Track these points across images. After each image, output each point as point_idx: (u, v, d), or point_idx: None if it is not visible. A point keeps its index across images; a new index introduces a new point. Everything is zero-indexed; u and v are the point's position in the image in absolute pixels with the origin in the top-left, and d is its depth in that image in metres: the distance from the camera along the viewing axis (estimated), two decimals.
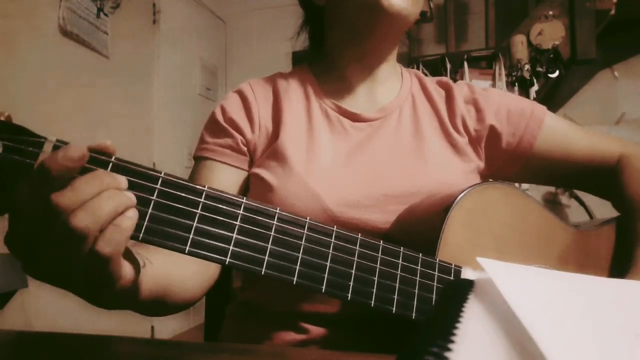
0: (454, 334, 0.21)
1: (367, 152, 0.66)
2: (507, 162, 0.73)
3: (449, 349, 0.19)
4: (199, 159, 0.69)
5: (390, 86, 0.74)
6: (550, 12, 2.34)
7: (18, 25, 1.81)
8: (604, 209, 0.76)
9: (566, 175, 0.73)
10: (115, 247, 0.33)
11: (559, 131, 0.72)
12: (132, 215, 0.35)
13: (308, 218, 0.43)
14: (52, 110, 1.95)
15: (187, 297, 0.54)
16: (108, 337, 0.46)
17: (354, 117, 0.69)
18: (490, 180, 0.74)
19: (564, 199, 2.84)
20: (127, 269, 0.38)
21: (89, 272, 0.34)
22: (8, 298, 1.65)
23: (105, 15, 2.27)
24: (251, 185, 0.68)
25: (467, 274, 0.30)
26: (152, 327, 2.58)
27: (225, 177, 0.67)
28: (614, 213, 0.71)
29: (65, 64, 2.05)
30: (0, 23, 1.74)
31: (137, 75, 2.57)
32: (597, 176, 0.71)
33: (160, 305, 0.49)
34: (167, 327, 2.69)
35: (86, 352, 0.44)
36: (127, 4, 2.43)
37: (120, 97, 2.41)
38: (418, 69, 2.44)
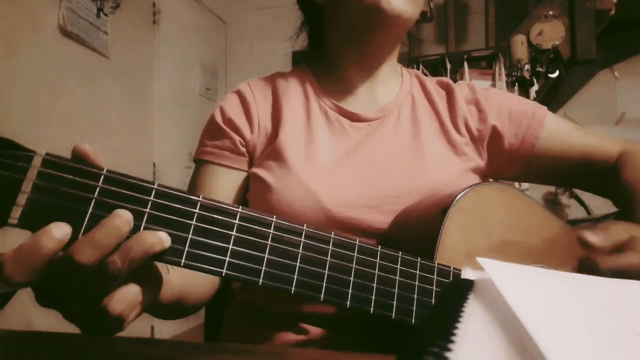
0: (454, 334, 0.21)
1: (366, 152, 0.66)
2: (509, 162, 0.73)
3: (448, 349, 0.19)
4: (199, 162, 0.69)
5: (391, 86, 0.74)
6: (550, 12, 2.34)
7: (18, 25, 1.81)
8: (604, 209, 0.76)
9: (567, 175, 0.73)
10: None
11: (560, 131, 0.72)
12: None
13: (305, 225, 0.42)
14: (52, 110, 1.95)
15: (197, 300, 0.56)
16: (108, 337, 0.46)
17: (353, 117, 0.69)
18: (490, 180, 0.74)
19: (564, 199, 2.84)
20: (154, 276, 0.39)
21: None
22: (8, 298, 1.65)
23: (105, 15, 2.27)
24: (250, 186, 0.67)
25: (467, 274, 0.30)
26: (152, 327, 2.58)
27: (226, 180, 0.67)
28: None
29: (65, 64, 2.05)
30: (0, 23, 1.74)
31: (137, 75, 2.57)
32: (598, 175, 0.71)
33: (176, 309, 0.50)
34: (167, 327, 2.69)
35: (86, 352, 0.44)
36: (127, 4, 2.43)
37: (120, 97, 2.41)
38: (418, 69, 2.44)
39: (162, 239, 0.35)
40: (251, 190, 0.67)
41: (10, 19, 1.78)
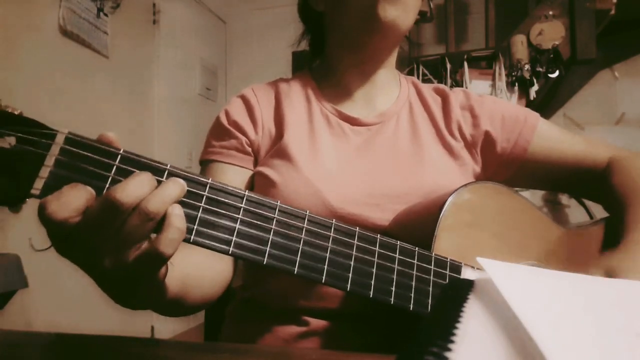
0: (454, 334, 0.21)
1: (367, 154, 0.68)
2: (502, 167, 0.75)
3: (448, 349, 0.19)
4: (206, 162, 0.71)
5: (389, 92, 0.76)
6: (550, 12, 2.34)
7: (18, 25, 1.81)
8: (603, 209, 0.76)
9: (559, 179, 0.75)
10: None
11: (552, 137, 0.73)
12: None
13: (307, 211, 0.44)
14: (52, 110, 1.95)
15: (203, 297, 0.56)
16: (108, 337, 0.46)
17: (354, 122, 0.71)
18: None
19: (564, 199, 2.84)
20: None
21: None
22: (8, 298, 1.65)
23: (105, 15, 2.27)
24: (255, 183, 0.69)
25: (467, 273, 0.30)
26: (152, 327, 2.58)
27: (232, 177, 0.69)
28: None
29: (65, 64, 2.06)
30: (0, 23, 1.74)
31: (137, 75, 2.57)
32: (588, 180, 0.73)
33: (180, 305, 0.50)
34: (167, 327, 2.69)
35: (86, 352, 0.44)
36: (127, 4, 2.43)
37: (120, 97, 2.41)
38: (418, 69, 2.43)
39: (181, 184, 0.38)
40: (256, 188, 0.69)
41: (10, 19, 1.78)
